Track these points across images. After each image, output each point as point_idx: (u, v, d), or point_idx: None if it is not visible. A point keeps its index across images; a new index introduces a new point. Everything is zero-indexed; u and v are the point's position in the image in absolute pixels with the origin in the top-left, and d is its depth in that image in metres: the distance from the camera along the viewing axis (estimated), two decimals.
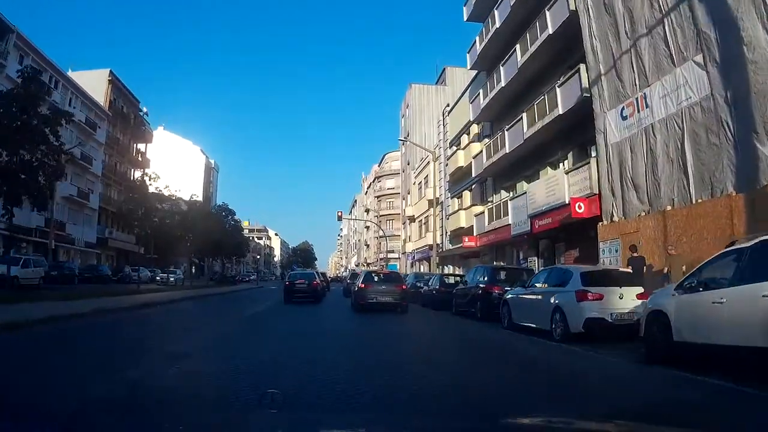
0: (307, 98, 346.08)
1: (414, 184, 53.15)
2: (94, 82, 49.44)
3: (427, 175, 45.57)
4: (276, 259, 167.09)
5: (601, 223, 16.71)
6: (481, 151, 27.82)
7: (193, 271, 71.69)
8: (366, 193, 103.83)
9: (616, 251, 15.71)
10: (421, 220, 48.20)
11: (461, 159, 32.49)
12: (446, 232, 34.77)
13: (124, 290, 26.58)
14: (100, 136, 48.72)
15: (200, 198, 59.38)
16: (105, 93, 51.04)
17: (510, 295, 13.83)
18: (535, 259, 23.85)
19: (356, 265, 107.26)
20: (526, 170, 24.69)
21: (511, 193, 27.16)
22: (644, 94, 14.64)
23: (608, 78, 16.32)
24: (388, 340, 11.46)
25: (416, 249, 49.77)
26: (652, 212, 14.30)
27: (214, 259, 70.81)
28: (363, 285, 19.44)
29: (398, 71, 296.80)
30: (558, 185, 19.66)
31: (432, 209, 44.22)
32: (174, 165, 65.51)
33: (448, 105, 40.54)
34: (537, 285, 12.76)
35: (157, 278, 44.37)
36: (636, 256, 13.29)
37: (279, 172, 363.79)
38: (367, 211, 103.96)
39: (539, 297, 12.20)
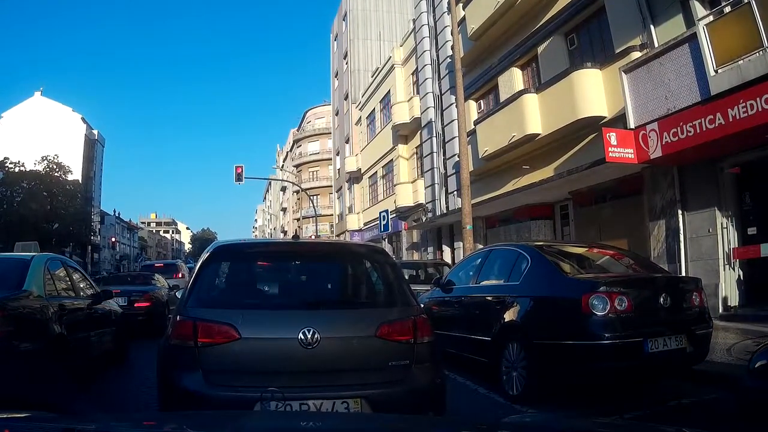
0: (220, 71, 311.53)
1: (358, 123, 33.63)
2: None
3: (388, 91, 26.16)
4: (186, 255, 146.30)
5: None
6: None
7: None
8: (282, 168, 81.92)
9: None
10: (377, 172, 28.71)
11: None
12: (471, 162, 15.43)
13: None
14: None
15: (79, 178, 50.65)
16: None
17: None
18: None
19: None
20: None
21: None
22: None
23: None
24: None
25: (367, 223, 30.34)
26: None
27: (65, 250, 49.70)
28: None
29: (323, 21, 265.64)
30: None
31: (401, 146, 25.01)
32: (48, 136, 53.86)
33: None
34: None
35: None
36: None
37: (189, 160, 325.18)
38: (284, 189, 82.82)
39: None
